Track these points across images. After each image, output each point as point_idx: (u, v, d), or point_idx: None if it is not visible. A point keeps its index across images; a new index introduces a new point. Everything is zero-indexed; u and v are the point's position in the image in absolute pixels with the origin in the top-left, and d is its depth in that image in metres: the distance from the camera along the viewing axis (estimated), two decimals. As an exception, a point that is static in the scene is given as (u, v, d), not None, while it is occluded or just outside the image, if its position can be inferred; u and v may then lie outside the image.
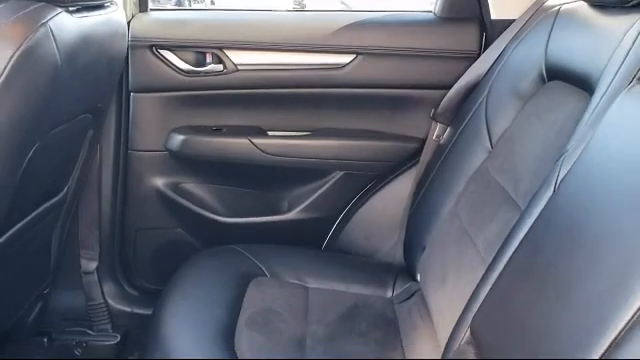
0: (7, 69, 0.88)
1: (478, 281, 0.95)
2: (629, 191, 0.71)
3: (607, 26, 1.02)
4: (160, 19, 1.56)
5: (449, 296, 1.11)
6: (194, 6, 1.88)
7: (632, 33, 0.90)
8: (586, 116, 0.92)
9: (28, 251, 1.28)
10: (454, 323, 0.97)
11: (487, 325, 0.88)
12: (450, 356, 0.96)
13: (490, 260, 0.95)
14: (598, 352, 0.60)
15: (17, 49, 0.88)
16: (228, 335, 1.14)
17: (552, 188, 0.88)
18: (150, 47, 1.49)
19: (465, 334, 0.93)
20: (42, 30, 0.91)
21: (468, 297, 0.96)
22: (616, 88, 0.86)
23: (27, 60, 0.90)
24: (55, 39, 0.94)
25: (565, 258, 0.76)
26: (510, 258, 0.89)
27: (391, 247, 1.58)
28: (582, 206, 0.79)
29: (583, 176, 0.82)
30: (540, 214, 0.87)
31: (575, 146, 0.89)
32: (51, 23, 0.93)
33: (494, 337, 0.85)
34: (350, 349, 1.18)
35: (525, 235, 0.88)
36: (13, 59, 0.88)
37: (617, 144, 0.78)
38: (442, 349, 1.00)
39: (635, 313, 0.59)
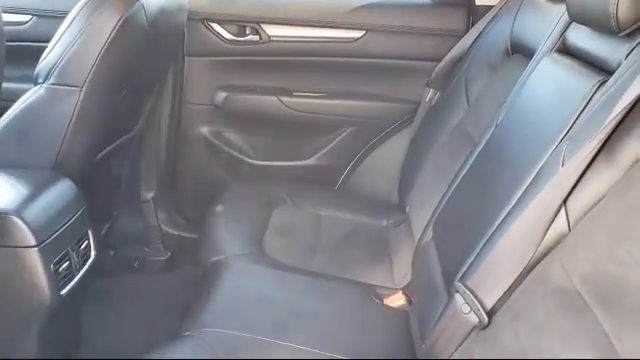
0: (113, 32, 1.24)
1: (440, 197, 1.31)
2: (532, 125, 1.07)
3: (550, 11, 1.34)
4: (210, -2, 1.90)
5: (424, 215, 1.44)
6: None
7: (559, 16, 1.23)
8: (523, 76, 1.26)
9: (108, 175, 1.66)
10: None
11: (441, 224, 1.25)
12: (419, 252, 1.33)
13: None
14: (497, 221, 0.97)
15: (121, 18, 1.25)
16: (259, 238, 1.52)
17: (494, 128, 1.23)
18: (202, 20, 1.84)
19: (429, 234, 1.29)
20: (138, 4, 1.28)
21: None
22: (542, 56, 1.20)
23: (127, 26, 1.26)
24: (145, 11, 1.30)
25: (491, 172, 1.13)
26: (461, 178, 1.25)
27: (390, 189, 1.89)
28: (505, 137, 1.14)
29: (509, 117, 1.17)
30: (483, 145, 1.23)
31: (512, 97, 1.24)
32: (143, -1, 1.30)
33: (444, 230, 1.22)
34: (349, 254, 1.55)
35: (473, 160, 1.24)
36: (118, 25, 1.24)
37: (531, 94, 1.13)
38: (415, 249, 1.36)
39: (519, 197, 0.95)
